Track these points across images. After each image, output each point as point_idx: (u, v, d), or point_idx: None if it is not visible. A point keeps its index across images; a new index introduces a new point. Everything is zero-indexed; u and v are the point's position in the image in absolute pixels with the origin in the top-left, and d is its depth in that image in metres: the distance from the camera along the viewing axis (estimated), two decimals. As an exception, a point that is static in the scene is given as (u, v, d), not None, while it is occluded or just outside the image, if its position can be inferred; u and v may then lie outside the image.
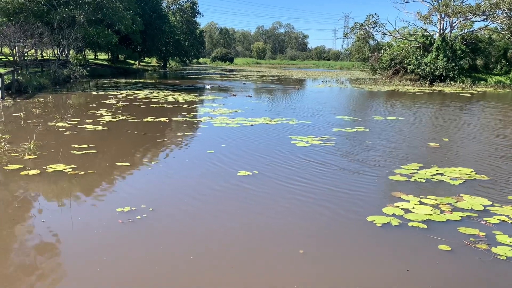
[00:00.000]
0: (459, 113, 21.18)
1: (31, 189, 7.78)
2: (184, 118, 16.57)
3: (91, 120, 15.20)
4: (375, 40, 50.95)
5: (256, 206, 7.15)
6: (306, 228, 6.35)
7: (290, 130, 14.46)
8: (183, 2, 77.87)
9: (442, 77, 41.68)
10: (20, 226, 6.18)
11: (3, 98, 20.56)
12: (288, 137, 13.05)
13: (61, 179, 8.24)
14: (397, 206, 7.19)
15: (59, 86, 29.54)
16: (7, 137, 11.83)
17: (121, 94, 25.45)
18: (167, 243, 5.75)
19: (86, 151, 10.44)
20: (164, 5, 68.60)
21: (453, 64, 41.27)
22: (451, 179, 8.91)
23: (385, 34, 48.36)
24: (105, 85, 32.46)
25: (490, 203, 7.46)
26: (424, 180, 8.77)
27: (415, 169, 9.60)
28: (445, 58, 41.07)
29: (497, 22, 42.43)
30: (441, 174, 9.24)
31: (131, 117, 16.20)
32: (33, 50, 34.97)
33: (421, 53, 43.57)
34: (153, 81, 40.62)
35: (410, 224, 6.50)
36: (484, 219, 6.75)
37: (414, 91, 35.00)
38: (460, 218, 6.75)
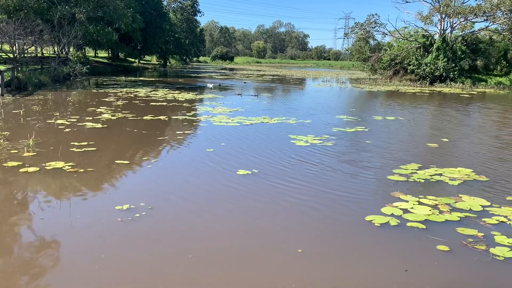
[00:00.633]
0: (459, 114, 21.19)
1: (30, 186, 7.78)
2: (184, 117, 16.57)
3: (91, 118, 15.19)
4: (376, 40, 51.01)
5: (255, 205, 7.15)
6: (305, 227, 6.36)
7: (290, 129, 14.46)
8: (183, 0, 77.81)
9: (442, 78, 41.70)
10: (19, 223, 6.18)
11: (3, 95, 20.55)
12: (287, 136, 13.06)
13: (60, 177, 8.24)
14: (396, 206, 7.20)
15: (59, 83, 29.52)
16: (7, 134, 11.83)
17: (121, 92, 25.43)
18: (166, 241, 5.75)
19: (86, 149, 10.44)
20: (164, 3, 68.57)
21: (453, 64, 41.29)
22: (450, 179, 8.91)
23: (386, 34, 48.41)
24: (105, 83, 32.45)
25: (488, 203, 7.47)
26: (423, 180, 8.78)
27: (414, 169, 9.61)
28: (445, 59, 41.08)
29: (497, 23, 42.46)
30: (440, 175, 9.24)
31: (131, 115, 16.19)
32: (33, 47, 34.90)
33: (422, 53, 43.58)
34: (153, 79, 40.62)
35: (408, 224, 6.51)
36: (483, 219, 6.75)
37: (414, 91, 35.02)
38: (459, 219, 6.76)
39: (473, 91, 37.29)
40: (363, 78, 51.54)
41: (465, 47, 43.47)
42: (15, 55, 29.10)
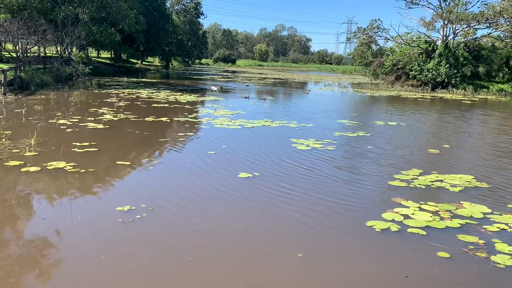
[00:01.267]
0: (460, 120, 21.18)
1: (31, 186, 7.78)
2: (186, 119, 16.58)
3: (93, 118, 15.21)
4: (378, 45, 51.02)
5: (256, 208, 7.15)
6: (306, 231, 6.35)
7: (291, 133, 14.47)
8: (187, 2, 77.98)
9: (444, 84, 41.69)
10: (20, 223, 6.18)
11: (5, 94, 20.58)
12: (289, 140, 13.06)
13: (61, 177, 8.25)
14: (397, 212, 7.19)
15: (61, 83, 29.57)
16: (8, 133, 11.84)
17: (123, 93, 25.47)
18: (166, 243, 5.75)
19: (87, 149, 10.45)
20: (168, 5, 68.68)
21: (455, 71, 41.29)
22: (451, 186, 8.90)
23: (388, 39, 48.46)
24: (107, 84, 32.49)
25: (490, 211, 7.46)
26: (424, 186, 8.77)
27: (415, 175, 9.60)
28: (448, 65, 41.09)
29: (500, 30, 42.47)
30: (441, 181, 9.23)
31: (133, 116, 16.21)
32: (36, 47, 34.99)
33: (424, 59, 43.60)
34: (156, 80, 40.66)
35: (409, 230, 6.50)
36: (484, 227, 6.75)
37: (415, 97, 35.02)
38: (460, 226, 6.75)
39: (474, 97, 37.29)
40: (365, 82, 51.57)
41: (467, 53, 43.48)
42: (18, 54, 29.18)
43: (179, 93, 27.18)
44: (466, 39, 44.92)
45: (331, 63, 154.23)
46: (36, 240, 5.66)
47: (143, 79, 40.87)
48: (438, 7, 43.82)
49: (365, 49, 50.58)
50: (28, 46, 31.37)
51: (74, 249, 5.43)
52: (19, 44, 29.95)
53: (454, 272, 5.34)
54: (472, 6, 45.84)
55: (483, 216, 7.21)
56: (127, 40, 50.99)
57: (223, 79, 49.62)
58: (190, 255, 5.40)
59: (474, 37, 45.19)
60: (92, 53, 60.24)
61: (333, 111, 22.62)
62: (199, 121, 16.37)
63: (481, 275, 5.28)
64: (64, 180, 8.08)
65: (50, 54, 40.40)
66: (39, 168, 8.61)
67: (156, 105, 20.45)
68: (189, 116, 17.37)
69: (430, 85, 41.90)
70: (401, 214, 7.09)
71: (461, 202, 7.87)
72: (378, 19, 47.03)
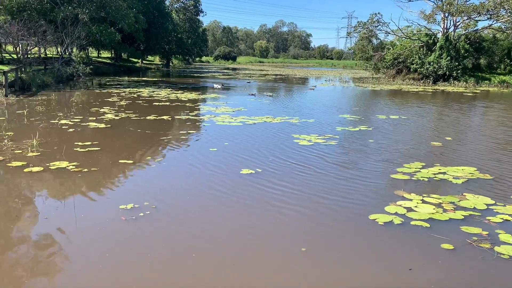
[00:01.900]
0: (462, 113, 21.13)
1: (34, 186, 7.81)
2: (187, 117, 16.59)
3: (94, 118, 15.23)
4: (378, 39, 50.91)
5: (259, 204, 7.15)
6: (309, 225, 6.36)
7: (293, 128, 14.46)
8: (186, 0, 77.85)
9: (445, 77, 41.57)
10: (24, 223, 6.20)
11: (7, 95, 20.63)
12: (291, 136, 13.05)
13: (64, 176, 8.27)
14: (400, 205, 7.19)
15: (62, 84, 29.60)
16: (11, 134, 11.88)
17: (124, 92, 25.48)
18: (170, 240, 5.76)
19: (89, 149, 10.47)
20: (167, 3, 68.52)
21: (457, 63, 41.15)
22: (454, 178, 8.89)
23: (388, 33, 48.34)
24: (108, 83, 32.52)
25: (493, 202, 7.45)
26: (426, 179, 8.76)
27: (418, 168, 9.59)
28: (449, 57, 40.95)
29: (501, 21, 42.23)
30: (444, 173, 9.22)
31: (134, 115, 16.22)
32: (36, 48, 35.01)
33: (425, 52, 43.45)
34: (156, 79, 40.67)
35: (412, 223, 6.50)
36: (487, 218, 6.73)
37: (417, 90, 34.94)
38: (463, 217, 6.74)
39: (476, 89, 37.17)
40: (366, 77, 51.46)
41: (468, 45, 43.32)
42: (19, 56, 29.22)
43: (180, 91, 27.18)
44: (467, 31, 44.74)
45: (332, 58, 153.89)
46: (39, 239, 5.68)
47: (143, 78, 40.88)
48: (438, 0, 43.66)
49: (366, 43, 50.44)
50: (28, 47, 31.39)
51: (78, 248, 5.45)
52: (20, 46, 29.98)
53: (458, 264, 5.34)
54: (472, -2, 45.66)
55: (486, 207, 7.20)
56: (127, 39, 50.99)
57: (224, 77, 49.58)
58: (193, 252, 5.41)
59: (475, 29, 45.02)
60: (93, 53, 60.29)
61: (335, 106, 22.58)
62: (201, 118, 16.37)
63: (485, 266, 5.28)
64: (67, 180, 8.10)
65: (51, 55, 40.44)
66: (42, 168, 8.63)
67: (157, 103, 20.46)
68: (190, 114, 17.38)
69: (431, 78, 41.80)
70: (404, 207, 7.09)
71: (464, 194, 7.86)
72: (378, 13, 46.93)
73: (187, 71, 61.74)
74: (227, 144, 11.67)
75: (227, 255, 5.39)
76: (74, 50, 40.12)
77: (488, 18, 42.16)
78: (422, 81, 41.95)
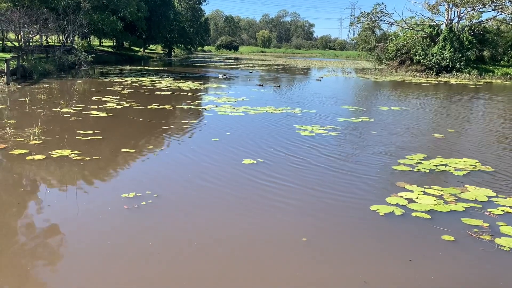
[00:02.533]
0: (465, 105, 21.06)
1: (36, 174, 7.84)
2: (189, 106, 16.56)
3: (96, 107, 15.22)
4: (382, 30, 50.49)
5: (260, 194, 7.17)
6: (310, 215, 6.38)
7: (295, 119, 14.44)
8: (188, -11, 77.35)
9: (449, 68, 41.35)
10: (26, 210, 6.24)
11: (9, 83, 20.60)
12: (293, 126, 13.04)
13: (66, 165, 8.29)
14: (401, 196, 7.20)
15: (64, 72, 29.55)
16: (13, 122, 11.89)
17: (125, 81, 25.44)
18: (172, 229, 5.80)
19: (91, 137, 10.48)
20: (169, -9, 68.08)
21: (460, 55, 40.90)
22: (455, 170, 8.89)
23: (392, 24, 47.92)
24: (110, 72, 32.45)
25: (494, 194, 7.45)
26: (428, 171, 8.77)
27: (420, 160, 9.58)
28: (452, 49, 40.69)
29: (505, 13, 41.88)
30: (446, 165, 9.22)
31: (136, 104, 16.21)
32: (38, 36, 34.88)
33: (428, 43, 43.16)
34: (158, 68, 40.54)
35: (413, 214, 6.51)
36: (488, 210, 6.75)
37: (420, 82, 34.79)
38: (464, 209, 6.76)
39: (479, 82, 36.99)
40: (368, 68, 51.24)
41: (472, 37, 43.01)
42: (20, 43, 29.12)
43: (182, 81, 27.12)
44: (471, 22, 44.37)
45: (334, 49, 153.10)
46: (42, 227, 5.71)
47: (145, 67, 40.76)
48: (443, -10, 43.23)
49: (369, 34, 50.09)
50: (30, 35, 31.26)
51: (80, 236, 5.48)
52: (21, 33, 29.86)
53: (459, 255, 5.36)
54: (477, -11, 45.16)
55: (487, 199, 7.21)
56: (129, 28, 50.73)
57: (226, 66, 49.40)
58: (195, 240, 5.44)
59: (479, 20, 44.61)
60: (94, 41, 60.04)
61: (337, 97, 22.51)
62: (203, 108, 16.35)
63: (486, 258, 5.30)
64: (69, 168, 8.12)
65: (52, 43, 40.31)
66: (44, 156, 8.65)
67: (159, 93, 20.43)
68: (192, 103, 17.36)
69: (434, 70, 41.57)
70: (405, 198, 7.10)
71: (465, 185, 7.86)
72: (382, 4, 46.57)
73: (189, 61, 61.51)
74: (229, 134, 11.66)
75: (229, 243, 5.41)
76: (76, 38, 39.97)
77: (492, 10, 41.80)
78: (425, 73, 41.74)
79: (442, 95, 25.37)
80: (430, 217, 6.42)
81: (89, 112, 14.13)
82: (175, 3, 68.83)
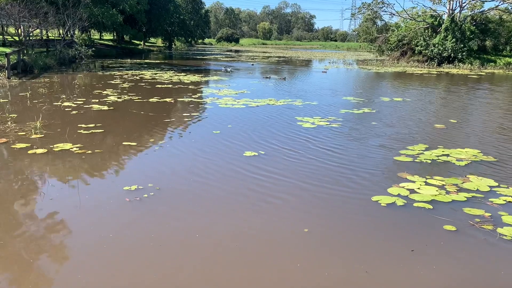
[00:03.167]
0: (466, 95, 20.98)
1: (39, 168, 7.85)
2: (190, 99, 16.54)
3: (97, 100, 15.22)
4: (383, 20, 50.33)
5: (262, 186, 7.17)
6: (311, 206, 6.38)
7: (296, 111, 14.41)
8: (188, -19, 76.94)
9: (450, 59, 41.13)
10: (29, 204, 6.26)
11: (9, 77, 20.59)
12: (294, 118, 13.02)
13: (68, 158, 8.30)
14: (403, 187, 7.20)
15: (64, 66, 29.51)
16: (14, 116, 11.89)
17: (126, 74, 25.40)
18: (173, 221, 5.81)
19: (93, 131, 10.49)
20: (169, -16, 67.71)
21: (462, 45, 40.65)
22: (457, 160, 8.87)
23: (393, 14, 47.58)
24: (110, 66, 32.39)
25: (496, 184, 7.45)
26: (430, 161, 8.75)
27: (421, 150, 9.57)
28: (454, 39, 40.45)
29: (508, 2, 41.57)
30: (447, 155, 9.20)
31: (137, 98, 16.19)
32: (38, 30, 34.76)
33: (430, 34, 42.89)
34: (159, 61, 40.45)
35: (415, 204, 6.52)
36: (490, 200, 6.74)
37: (421, 72, 34.65)
38: (466, 199, 6.75)
39: (481, 72, 36.82)
40: (370, 59, 51.05)
41: (474, 27, 42.70)
42: (21, 38, 29.02)
43: (182, 74, 27.06)
44: (473, 12, 44.05)
45: (335, 40, 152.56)
46: (44, 220, 5.74)
47: (146, 60, 40.67)
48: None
49: (370, 25, 49.89)
50: (30, 29, 31.16)
51: (82, 228, 5.50)
52: (21, 27, 29.75)
53: (460, 245, 5.36)
54: (479, -22, 44.78)
55: (489, 189, 7.20)
56: (129, 21, 50.53)
57: (227, 59, 49.25)
58: (196, 233, 5.45)
59: (481, 10, 44.28)
60: (95, 35, 59.87)
61: (338, 88, 22.45)
62: (204, 101, 16.33)
63: (488, 247, 5.30)
64: (71, 161, 8.13)
65: (53, 37, 40.20)
66: (46, 150, 8.67)
67: (160, 86, 20.40)
68: (193, 96, 17.33)
69: (436, 60, 41.36)
70: (407, 189, 7.10)
71: (467, 176, 7.85)
72: (383, -6, 46.21)
73: (190, 54, 61.34)
74: (230, 126, 11.65)
75: (231, 234, 5.43)
76: (76, 32, 39.84)
77: (494, -1, 41.46)
78: (426, 63, 41.54)
79: (443, 86, 25.27)
80: (432, 207, 6.42)
81: (90, 105, 14.12)
82: (175, -4, 68.45)
